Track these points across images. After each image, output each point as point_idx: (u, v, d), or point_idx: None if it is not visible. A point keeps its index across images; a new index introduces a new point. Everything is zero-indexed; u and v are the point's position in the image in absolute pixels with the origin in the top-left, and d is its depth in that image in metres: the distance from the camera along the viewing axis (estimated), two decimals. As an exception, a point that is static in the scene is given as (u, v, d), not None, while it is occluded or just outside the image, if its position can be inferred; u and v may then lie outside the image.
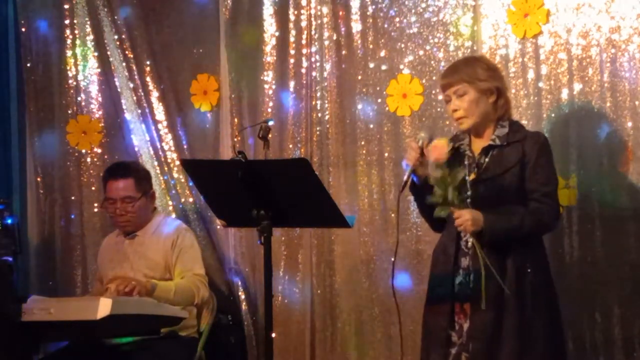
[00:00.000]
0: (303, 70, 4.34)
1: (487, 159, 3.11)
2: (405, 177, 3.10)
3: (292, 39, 4.36)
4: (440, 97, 3.78)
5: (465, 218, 2.96)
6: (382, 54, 4.17)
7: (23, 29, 4.93)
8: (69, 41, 4.84)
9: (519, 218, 3.03)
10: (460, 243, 3.12)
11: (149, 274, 3.89)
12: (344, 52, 4.25)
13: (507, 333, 3.00)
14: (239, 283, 4.48)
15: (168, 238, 3.93)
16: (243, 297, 4.46)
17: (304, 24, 4.33)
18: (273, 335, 3.03)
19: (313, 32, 4.31)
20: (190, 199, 4.60)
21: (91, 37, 4.80)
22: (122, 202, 3.92)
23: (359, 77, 4.22)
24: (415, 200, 3.34)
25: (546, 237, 3.76)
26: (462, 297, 3.08)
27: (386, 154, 4.15)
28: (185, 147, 4.63)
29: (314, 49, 4.31)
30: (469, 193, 3.08)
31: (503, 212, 3.03)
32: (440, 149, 2.99)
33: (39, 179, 4.92)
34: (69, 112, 4.86)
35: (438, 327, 3.11)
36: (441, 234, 3.26)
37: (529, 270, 3.08)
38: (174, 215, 4.55)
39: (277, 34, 4.40)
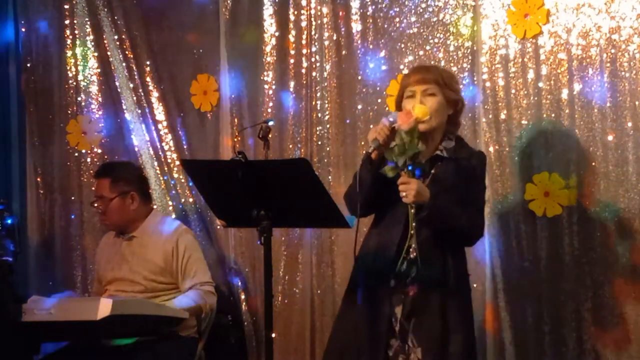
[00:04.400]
0: (303, 70, 4.34)
1: (433, 170, 3.08)
2: (370, 150, 3.02)
3: (292, 39, 4.36)
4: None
5: (412, 187, 2.93)
6: (382, 54, 4.17)
7: (23, 29, 4.93)
8: (69, 41, 4.84)
9: (460, 212, 3.04)
10: (401, 249, 3.04)
11: (149, 277, 3.89)
12: (344, 52, 4.25)
13: (454, 338, 3.01)
14: (239, 283, 4.48)
15: (168, 241, 3.91)
16: (243, 297, 4.46)
17: (304, 24, 4.33)
18: (273, 335, 3.03)
19: (313, 32, 4.31)
20: (190, 199, 4.60)
21: (91, 37, 4.80)
22: (98, 200, 3.98)
23: (359, 77, 4.22)
24: (360, 176, 3.07)
25: (546, 236, 3.79)
26: (396, 300, 3.06)
27: (386, 154, 4.15)
28: (185, 147, 4.63)
29: (314, 49, 4.31)
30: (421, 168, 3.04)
31: (446, 201, 3.03)
32: (408, 116, 2.96)
33: (39, 179, 4.92)
34: (69, 112, 4.86)
35: (376, 332, 3.05)
36: (374, 232, 3.19)
37: (469, 274, 3.19)
38: (173, 215, 4.55)
39: (277, 34, 4.40)
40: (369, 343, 3.06)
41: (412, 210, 2.97)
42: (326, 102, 4.30)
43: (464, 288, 3.14)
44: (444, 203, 3.01)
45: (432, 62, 4.06)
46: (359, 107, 4.22)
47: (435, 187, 3.02)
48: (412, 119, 2.95)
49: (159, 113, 4.68)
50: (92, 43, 4.81)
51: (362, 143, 4.21)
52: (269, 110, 4.40)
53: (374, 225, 3.23)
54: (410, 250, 3.01)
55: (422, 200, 2.95)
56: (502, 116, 3.91)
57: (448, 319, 3.02)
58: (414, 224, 2.98)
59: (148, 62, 4.68)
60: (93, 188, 4.74)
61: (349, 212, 3.17)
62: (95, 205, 4.01)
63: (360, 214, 3.16)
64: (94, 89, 4.84)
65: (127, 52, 4.71)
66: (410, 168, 2.95)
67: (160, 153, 4.66)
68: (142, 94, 4.68)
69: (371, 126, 4.19)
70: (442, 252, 3.05)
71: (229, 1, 4.50)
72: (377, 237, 3.17)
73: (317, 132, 4.32)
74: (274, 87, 4.41)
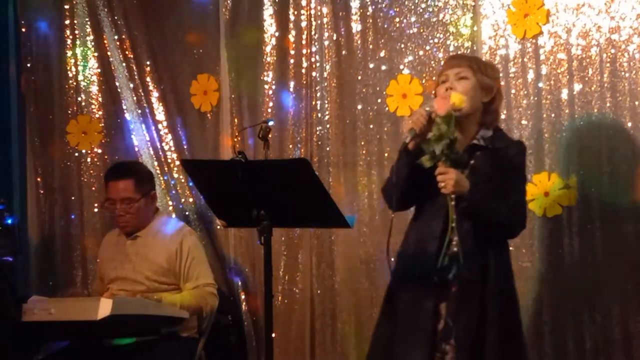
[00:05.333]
0: (303, 70, 4.34)
1: (472, 161, 3.02)
2: (407, 140, 2.93)
3: (292, 39, 4.36)
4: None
5: (450, 176, 2.87)
6: (382, 54, 4.17)
7: (23, 29, 4.93)
8: (69, 41, 4.84)
9: (500, 203, 2.97)
10: (443, 243, 2.97)
11: (151, 277, 3.88)
12: (344, 52, 4.25)
13: (492, 341, 2.93)
14: (239, 283, 4.48)
15: (172, 242, 3.91)
16: (243, 297, 4.47)
17: (304, 24, 4.34)
18: (273, 335, 3.02)
19: (313, 32, 4.32)
20: (190, 199, 4.60)
21: (91, 37, 4.80)
22: (121, 203, 3.90)
23: (359, 77, 4.22)
24: (397, 168, 3.01)
25: (546, 236, 3.79)
26: (440, 297, 3.01)
27: (386, 154, 4.15)
28: (185, 147, 4.63)
29: (314, 49, 4.31)
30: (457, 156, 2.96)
31: (486, 192, 2.97)
32: (445, 100, 2.91)
33: (39, 179, 4.92)
34: (69, 112, 4.86)
35: (419, 328, 2.99)
36: (414, 226, 3.13)
37: (510, 271, 3.09)
38: (173, 215, 4.55)
39: (277, 34, 4.40)
40: (413, 340, 2.99)
41: (452, 203, 2.90)
42: (326, 102, 4.30)
43: (507, 284, 3.04)
44: (483, 194, 2.94)
45: (432, 62, 4.07)
46: (359, 107, 4.23)
47: (474, 178, 2.95)
48: (448, 104, 2.88)
49: (159, 113, 4.68)
50: (92, 43, 4.81)
51: (362, 143, 4.21)
52: (269, 110, 4.40)
53: (414, 219, 3.16)
54: (452, 244, 2.94)
55: (461, 190, 2.89)
56: (502, 116, 3.90)
57: (486, 317, 2.94)
58: (454, 217, 2.91)
59: (148, 62, 4.68)
60: (93, 188, 4.78)
61: (387, 206, 3.13)
62: (118, 208, 3.89)
63: (399, 208, 3.12)
64: (94, 89, 4.84)
65: (127, 52, 4.71)
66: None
67: (160, 153, 4.66)
68: (142, 94, 4.69)
69: (371, 126, 4.20)
70: (485, 246, 2.98)
71: (229, 1, 4.51)
72: (417, 231, 3.10)
73: (317, 132, 4.32)
74: (274, 87, 4.41)
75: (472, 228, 2.96)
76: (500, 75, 3.88)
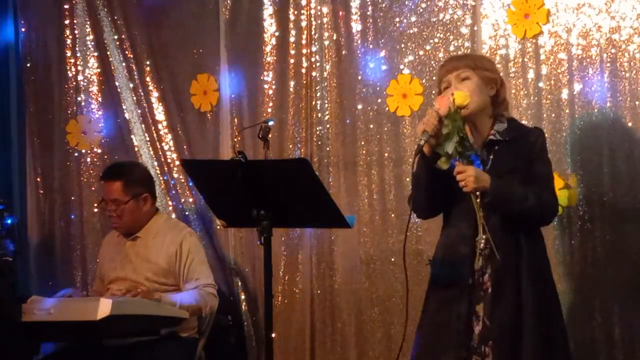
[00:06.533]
0: (303, 70, 4.34)
1: (491, 156, 3.00)
2: (422, 142, 2.88)
3: (292, 39, 4.36)
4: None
5: (469, 174, 2.85)
6: (382, 54, 4.17)
7: (23, 29, 4.94)
8: (69, 41, 4.85)
9: (524, 192, 2.93)
10: (475, 244, 2.95)
11: (151, 278, 3.88)
12: (344, 52, 4.25)
13: (528, 335, 2.90)
14: (239, 283, 4.48)
15: (172, 243, 3.90)
16: (243, 297, 4.46)
17: (304, 24, 4.33)
18: (273, 335, 3.02)
19: (313, 32, 4.31)
20: (190, 199, 4.60)
21: (91, 37, 4.81)
22: (111, 203, 3.91)
23: (359, 77, 4.22)
24: (416, 175, 2.98)
25: (546, 237, 3.78)
26: (474, 299, 2.97)
27: (386, 154, 4.15)
28: (185, 147, 4.63)
29: (314, 49, 4.31)
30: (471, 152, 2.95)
31: (509, 182, 2.95)
32: (445, 98, 2.90)
33: (39, 179, 4.92)
34: (69, 112, 4.86)
35: (453, 330, 2.96)
36: (445, 232, 3.11)
37: (545, 263, 3.05)
38: (174, 215, 4.55)
39: (277, 34, 4.40)
40: (446, 343, 2.96)
41: (478, 201, 2.88)
42: (326, 102, 4.30)
43: (542, 276, 2.99)
44: (506, 185, 2.91)
45: (432, 62, 4.06)
46: (359, 107, 4.22)
47: (495, 172, 2.93)
48: (449, 101, 2.87)
49: (159, 113, 4.68)
50: (92, 43, 4.81)
51: (362, 143, 4.21)
52: (269, 110, 4.40)
53: (444, 226, 3.13)
54: (481, 240, 2.90)
55: (482, 186, 2.87)
56: (502, 116, 3.90)
57: (522, 314, 2.90)
58: (481, 214, 2.88)
59: (148, 62, 4.68)
60: (93, 188, 4.78)
61: (415, 215, 3.08)
62: (108, 208, 3.92)
63: (427, 215, 3.13)
64: (94, 89, 4.84)
65: (127, 52, 4.71)
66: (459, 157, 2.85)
67: (160, 153, 4.66)
68: (142, 94, 4.69)
69: (371, 126, 4.20)
70: (516, 240, 2.94)
71: (229, 1, 4.51)
72: (448, 236, 3.08)
73: (317, 132, 4.32)
74: (274, 87, 4.41)
75: (502, 222, 2.93)
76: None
